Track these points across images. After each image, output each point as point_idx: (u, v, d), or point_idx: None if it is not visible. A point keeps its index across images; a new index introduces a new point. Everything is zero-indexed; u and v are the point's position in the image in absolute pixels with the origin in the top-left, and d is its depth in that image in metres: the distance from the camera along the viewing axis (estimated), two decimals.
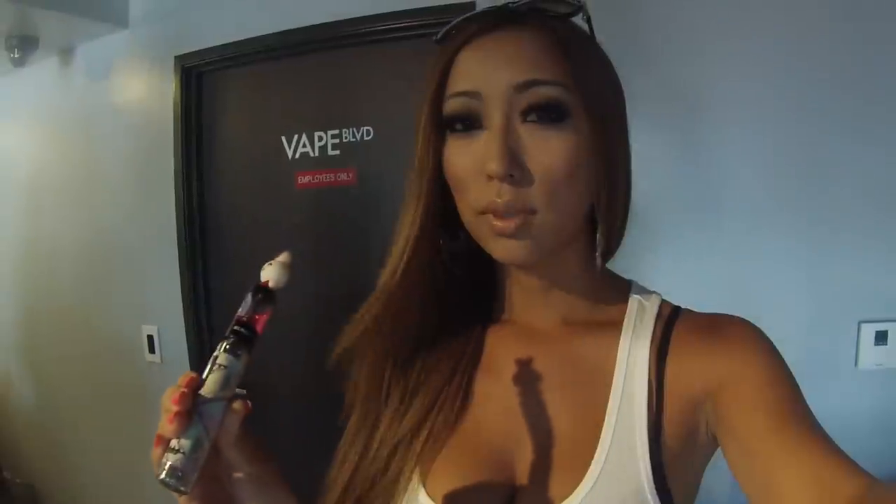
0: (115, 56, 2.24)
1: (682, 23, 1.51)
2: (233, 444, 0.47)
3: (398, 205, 0.64)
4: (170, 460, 0.41)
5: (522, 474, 0.60)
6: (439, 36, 0.61)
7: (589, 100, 0.54)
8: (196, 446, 0.42)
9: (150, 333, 2.27)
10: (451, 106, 0.56)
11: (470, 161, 0.55)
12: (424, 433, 0.63)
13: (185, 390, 0.44)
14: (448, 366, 0.66)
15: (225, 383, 0.45)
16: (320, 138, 1.94)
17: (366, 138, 1.89)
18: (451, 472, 0.61)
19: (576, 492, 0.55)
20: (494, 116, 0.54)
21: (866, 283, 1.46)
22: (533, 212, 0.54)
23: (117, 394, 2.42)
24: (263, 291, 0.50)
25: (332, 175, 1.93)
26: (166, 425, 0.43)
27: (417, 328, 0.65)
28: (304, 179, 1.98)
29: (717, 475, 0.61)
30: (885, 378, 1.47)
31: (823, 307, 1.48)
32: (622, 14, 1.48)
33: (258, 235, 2.08)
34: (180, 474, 0.41)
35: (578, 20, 0.60)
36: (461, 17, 0.58)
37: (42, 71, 2.44)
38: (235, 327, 0.47)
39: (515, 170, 0.52)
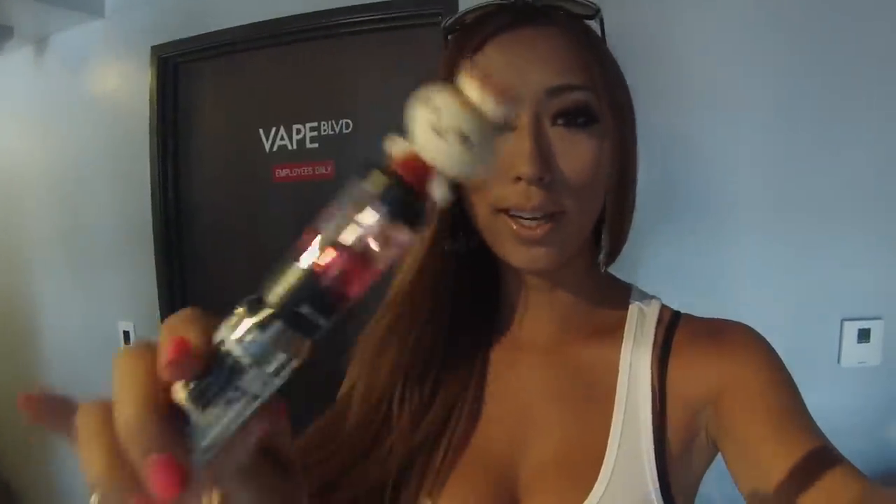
0: (91, 46, 2.20)
1: (672, 20, 1.48)
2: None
3: None
4: None
5: (529, 488, 0.59)
6: (447, 23, 0.60)
7: (614, 103, 0.55)
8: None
9: (126, 329, 2.23)
10: None
11: None
12: (443, 447, 0.61)
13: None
14: (458, 379, 0.64)
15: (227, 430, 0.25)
16: (298, 131, 1.91)
17: (345, 131, 1.86)
18: (459, 490, 0.60)
19: (585, 503, 0.55)
20: (523, 117, 0.52)
21: (849, 281, 1.45)
22: (562, 213, 0.53)
23: (92, 389, 2.37)
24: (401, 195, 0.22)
25: (310, 168, 1.90)
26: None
27: (430, 337, 0.63)
28: (282, 173, 1.94)
29: (717, 476, 0.60)
30: (868, 376, 1.46)
31: (806, 305, 1.47)
32: (618, 10, 1.45)
33: (235, 229, 2.06)
34: None
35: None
36: (474, 8, 0.57)
37: (16, 61, 2.40)
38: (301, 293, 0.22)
39: (546, 173, 0.52)
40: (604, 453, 0.56)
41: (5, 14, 2.12)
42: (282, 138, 1.93)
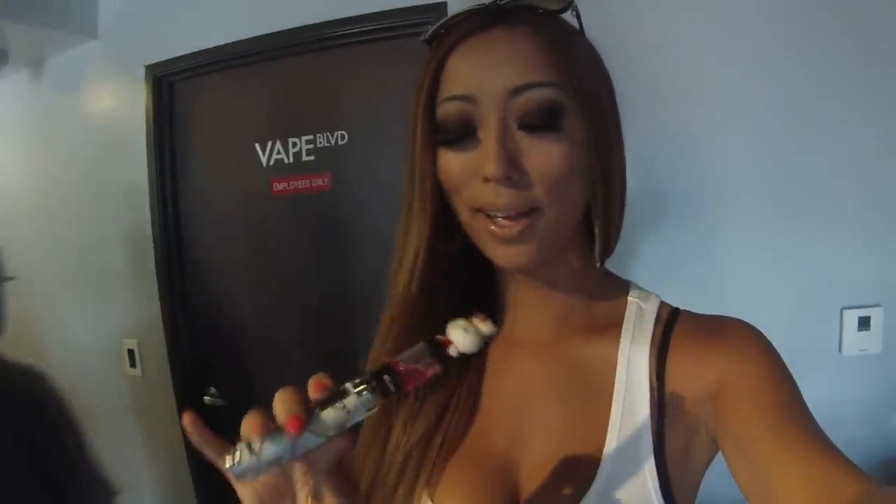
0: (86, 67, 2.21)
1: (661, 17, 1.50)
2: (322, 471, 0.43)
3: (374, 209, 0.63)
4: (243, 458, 0.39)
5: (527, 484, 0.59)
6: (427, 35, 0.59)
7: (583, 98, 0.54)
8: (273, 462, 0.39)
9: (130, 347, 2.24)
10: (445, 110, 0.55)
11: (466, 164, 0.54)
12: (438, 441, 0.62)
13: (301, 417, 0.40)
14: (454, 376, 0.65)
15: (339, 426, 0.41)
16: (294, 144, 1.92)
17: (340, 143, 1.87)
18: (456, 483, 0.60)
19: (582, 501, 0.55)
20: (490, 120, 0.52)
21: (849, 270, 1.45)
22: (537, 209, 0.53)
23: (99, 408, 2.37)
24: (438, 351, 0.46)
25: (307, 181, 1.91)
26: (260, 426, 0.40)
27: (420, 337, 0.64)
28: (280, 186, 1.95)
29: (716, 475, 0.61)
30: (869, 364, 1.47)
31: (806, 294, 1.48)
32: (606, 8, 1.46)
33: (235, 244, 2.06)
34: (242, 473, 0.39)
35: (566, 15, 0.58)
36: (450, 17, 0.57)
37: (12, 84, 2.41)
38: (384, 374, 0.43)
39: (513, 172, 0.51)
40: (602, 450, 0.56)
41: (0, 38, 2.13)
42: (278, 152, 1.94)
